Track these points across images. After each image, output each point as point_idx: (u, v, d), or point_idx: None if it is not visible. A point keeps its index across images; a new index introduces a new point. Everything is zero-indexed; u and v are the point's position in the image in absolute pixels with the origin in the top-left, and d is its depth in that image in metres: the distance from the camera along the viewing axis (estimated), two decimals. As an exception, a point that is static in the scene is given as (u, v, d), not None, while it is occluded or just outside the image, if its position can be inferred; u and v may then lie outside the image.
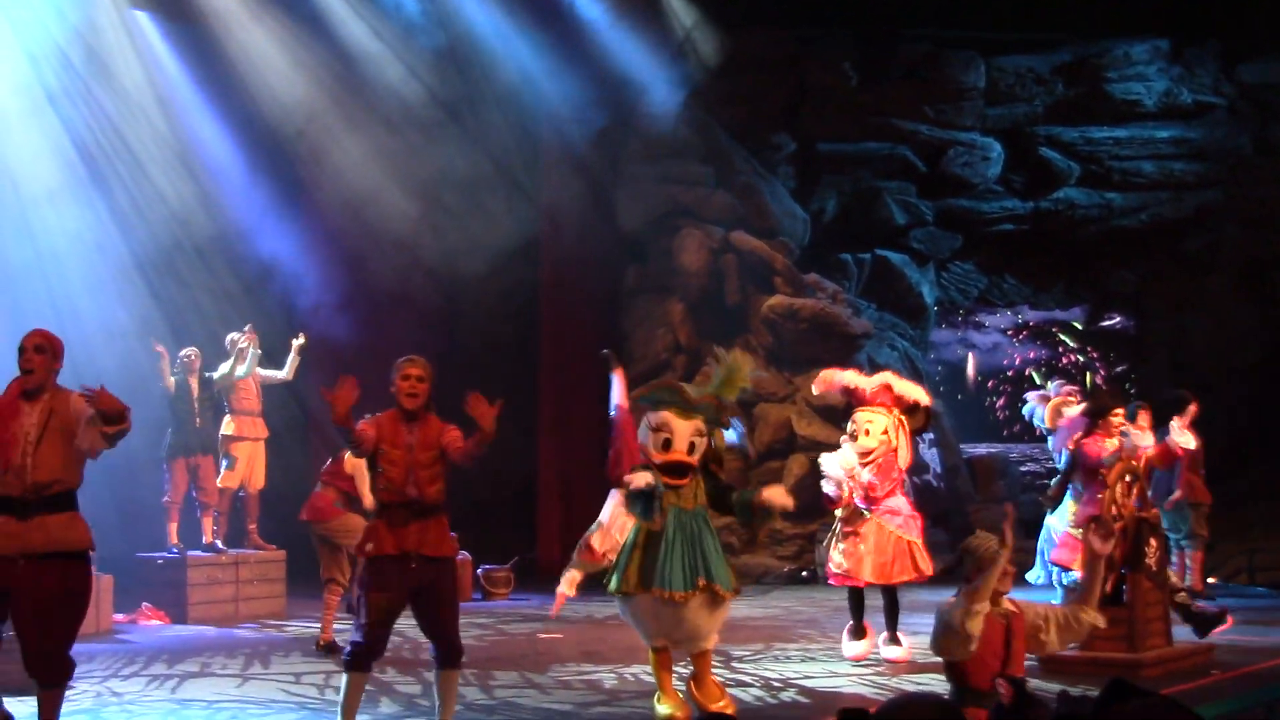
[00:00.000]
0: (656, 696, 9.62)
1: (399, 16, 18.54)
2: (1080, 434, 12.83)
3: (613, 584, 9.62)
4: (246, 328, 15.88)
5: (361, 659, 8.38)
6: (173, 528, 15.60)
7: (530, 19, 19.21)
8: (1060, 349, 26.11)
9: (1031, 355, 26.48)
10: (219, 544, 15.74)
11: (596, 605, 15.42)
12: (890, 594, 12.19)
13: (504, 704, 9.83)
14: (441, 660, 8.52)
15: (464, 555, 17.28)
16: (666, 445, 9.56)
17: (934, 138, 22.00)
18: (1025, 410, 14.37)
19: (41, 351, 8.17)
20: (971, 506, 20.09)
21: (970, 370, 26.70)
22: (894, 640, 12.08)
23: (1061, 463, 13.37)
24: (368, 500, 12.89)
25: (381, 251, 18.75)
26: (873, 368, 17.48)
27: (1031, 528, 14.23)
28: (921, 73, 22.00)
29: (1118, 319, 22.99)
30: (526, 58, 19.48)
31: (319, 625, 13.02)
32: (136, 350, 16.05)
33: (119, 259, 16.91)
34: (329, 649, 12.33)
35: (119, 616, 14.39)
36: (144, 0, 17.06)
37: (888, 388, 12.39)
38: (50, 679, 8.08)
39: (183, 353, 15.71)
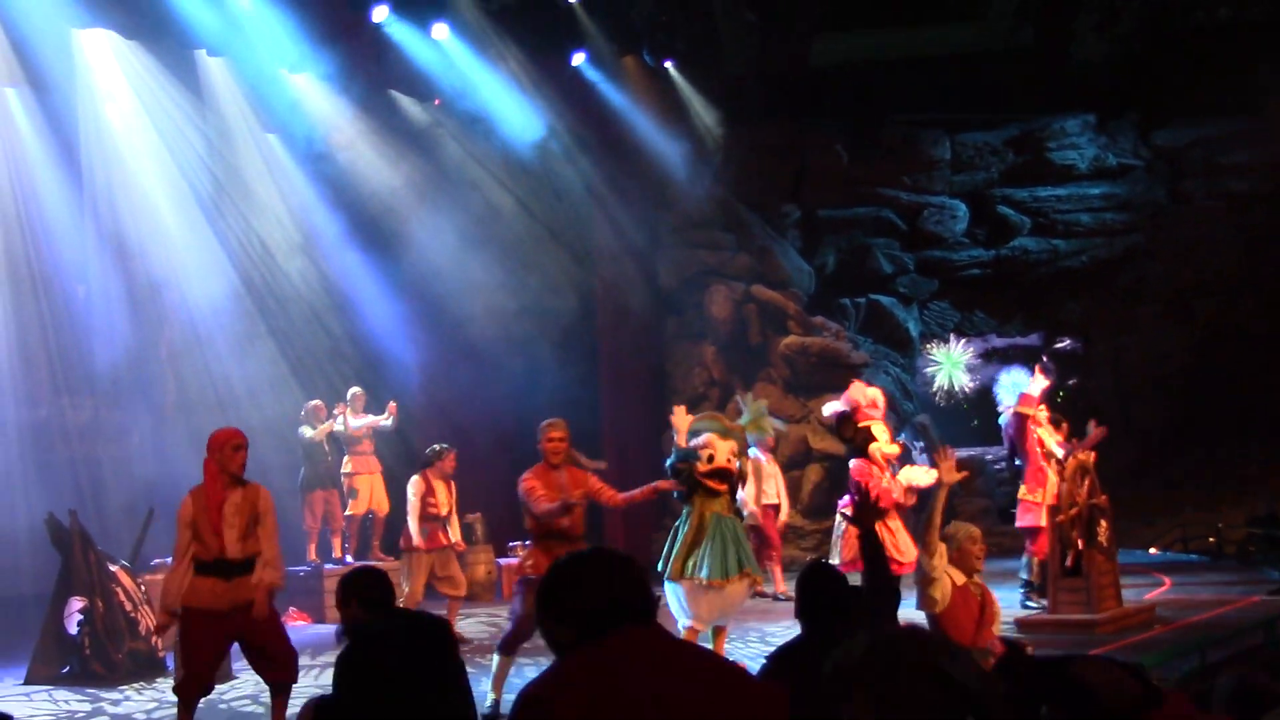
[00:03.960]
0: None
1: (482, 133, 18.69)
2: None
3: (664, 570, 9.81)
4: (354, 391, 16.09)
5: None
6: (311, 547, 15.77)
7: (580, 122, 19.42)
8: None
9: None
10: (348, 558, 15.89)
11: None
12: None
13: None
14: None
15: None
16: (710, 459, 9.78)
17: (912, 202, 22.12)
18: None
19: (245, 449, 8.57)
20: (955, 500, 20.09)
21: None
22: None
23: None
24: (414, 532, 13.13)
25: (466, 314, 18.88)
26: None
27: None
28: (899, 150, 22.13)
29: (1068, 342, 22.96)
30: (578, 153, 19.70)
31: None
32: (271, 406, 16.26)
33: (256, 329, 17.16)
34: None
35: (272, 619, 14.54)
36: (272, 125, 17.30)
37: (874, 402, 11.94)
38: (289, 679, 8.68)
39: (311, 404, 15.90)
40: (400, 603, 12.69)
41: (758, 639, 11.89)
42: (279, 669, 8.61)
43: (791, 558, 18.98)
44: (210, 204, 16.76)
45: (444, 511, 13.34)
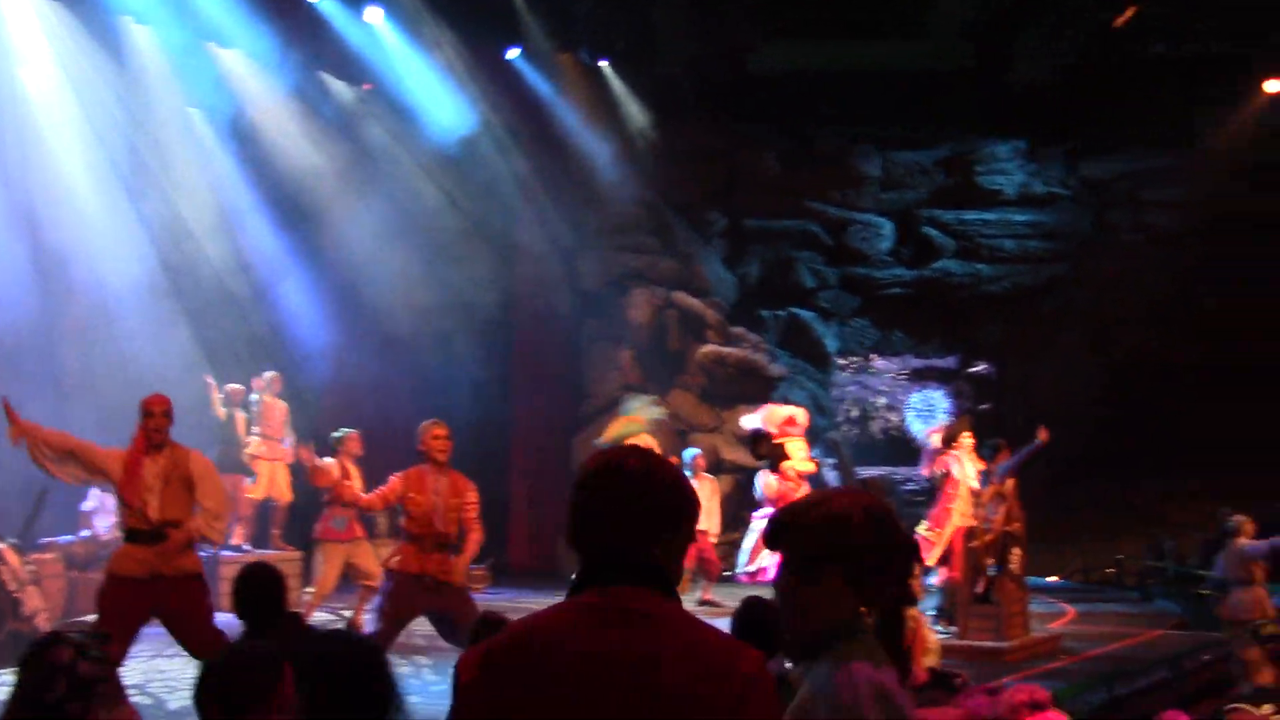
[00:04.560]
0: None
1: (411, 121, 18.37)
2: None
3: None
4: (269, 375, 15.65)
5: None
6: (213, 532, 15.31)
7: (512, 116, 19.18)
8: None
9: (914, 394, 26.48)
10: (245, 545, 15.47)
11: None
12: None
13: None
14: None
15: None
16: None
17: (839, 217, 22.11)
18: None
19: (167, 416, 8.43)
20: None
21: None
22: None
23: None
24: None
25: (386, 304, 18.54)
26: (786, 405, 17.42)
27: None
28: (831, 161, 22.09)
29: (983, 366, 23.07)
30: (509, 147, 19.45)
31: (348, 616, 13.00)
32: (183, 387, 15.78)
33: (170, 308, 16.68)
34: None
35: (164, 605, 14.09)
36: (196, 100, 16.85)
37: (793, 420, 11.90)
38: None
39: (229, 387, 15.46)
40: (311, 593, 12.37)
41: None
42: (201, 651, 8.39)
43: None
44: (128, 177, 16.26)
45: None
